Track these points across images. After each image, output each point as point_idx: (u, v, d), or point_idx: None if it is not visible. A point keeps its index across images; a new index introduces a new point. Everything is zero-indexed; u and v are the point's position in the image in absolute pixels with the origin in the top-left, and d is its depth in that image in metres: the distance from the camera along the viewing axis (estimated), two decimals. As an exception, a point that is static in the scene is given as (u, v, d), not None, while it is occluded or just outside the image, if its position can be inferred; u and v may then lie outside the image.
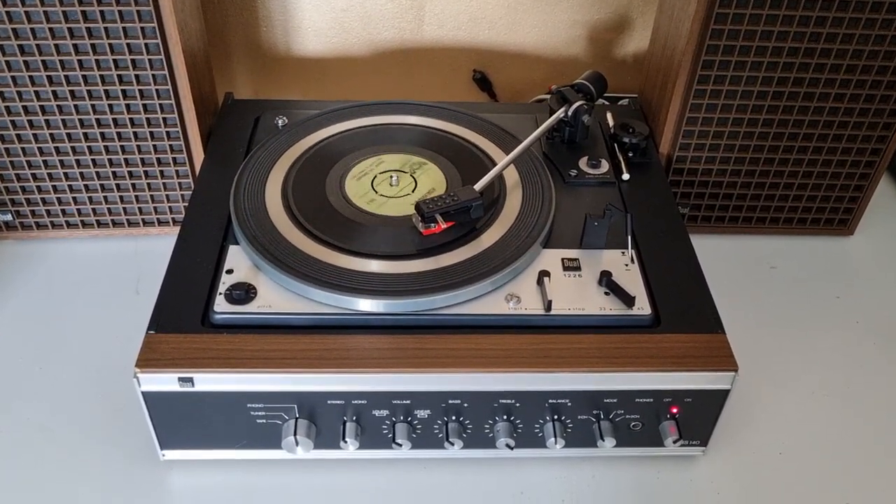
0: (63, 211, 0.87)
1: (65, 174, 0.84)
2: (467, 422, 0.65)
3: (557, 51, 1.06)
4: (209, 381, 0.61)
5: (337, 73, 1.06)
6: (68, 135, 0.81)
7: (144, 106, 0.80)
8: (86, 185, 0.85)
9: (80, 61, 0.77)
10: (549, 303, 0.65)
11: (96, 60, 0.77)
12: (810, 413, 0.75)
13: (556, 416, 0.65)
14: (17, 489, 0.66)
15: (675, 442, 0.66)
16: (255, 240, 0.69)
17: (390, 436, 0.65)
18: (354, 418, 0.64)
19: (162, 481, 0.67)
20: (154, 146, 0.83)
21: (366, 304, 0.64)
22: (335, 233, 0.70)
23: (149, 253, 0.88)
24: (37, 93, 0.78)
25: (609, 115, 0.88)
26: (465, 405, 0.64)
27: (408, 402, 0.64)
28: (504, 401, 0.64)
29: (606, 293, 0.67)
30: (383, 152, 0.80)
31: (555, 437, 0.65)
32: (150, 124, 0.82)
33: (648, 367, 0.63)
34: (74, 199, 0.86)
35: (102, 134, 0.82)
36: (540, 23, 1.03)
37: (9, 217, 0.86)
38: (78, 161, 0.83)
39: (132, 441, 0.69)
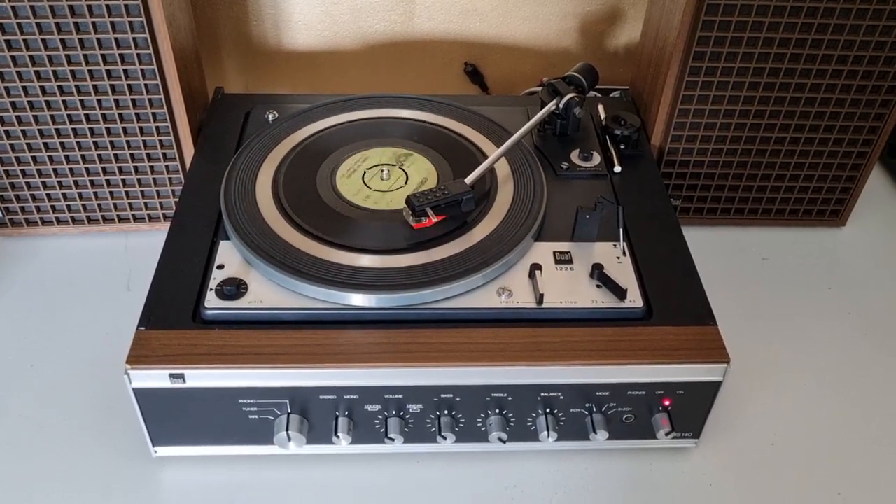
0: (53, 207, 0.86)
1: (54, 170, 0.83)
2: (460, 416, 0.65)
3: (549, 43, 1.06)
4: (200, 378, 0.61)
5: (327, 67, 1.06)
6: (57, 130, 0.81)
7: (133, 101, 0.80)
8: (75, 181, 0.85)
9: (67, 56, 0.76)
10: (541, 296, 0.65)
11: (84, 55, 0.76)
12: (802, 404, 0.75)
13: (548, 410, 0.65)
14: (9, 486, 0.66)
15: (667, 434, 0.66)
16: (245, 235, 0.68)
17: (383, 430, 0.65)
18: (347, 413, 0.64)
19: (154, 478, 0.67)
20: (144, 141, 0.83)
21: (357, 299, 0.64)
22: (326, 227, 0.70)
23: (139, 249, 0.87)
24: (25, 88, 0.77)
25: (601, 108, 0.88)
26: (458, 399, 0.64)
27: (400, 396, 0.63)
28: (496, 394, 0.64)
29: (598, 286, 0.67)
30: (374, 146, 0.80)
31: (547, 430, 0.65)
32: (140, 119, 0.81)
33: (640, 360, 0.63)
34: (64, 195, 0.85)
35: (91, 129, 0.81)
36: (531, 15, 1.03)
37: (-2, 214, 0.86)
38: (67, 157, 0.83)
39: (124, 437, 0.69)
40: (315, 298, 0.65)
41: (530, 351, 0.63)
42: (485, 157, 0.78)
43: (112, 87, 0.78)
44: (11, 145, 0.81)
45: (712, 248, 0.90)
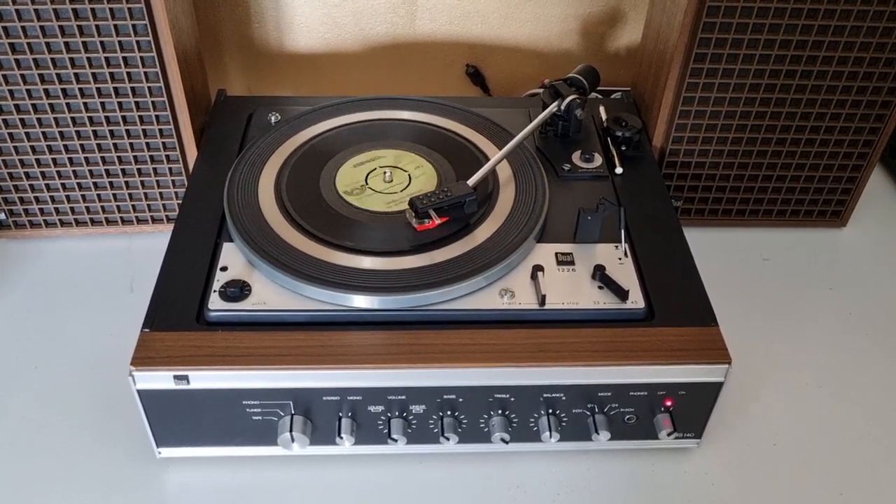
0: (56, 209, 0.87)
1: (58, 173, 0.84)
2: (462, 417, 0.66)
3: (550, 44, 1.06)
4: (204, 379, 0.61)
5: (329, 69, 1.06)
6: (61, 133, 0.81)
7: (137, 104, 0.80)
8: (79, 184, 0.85)
9: (71, 59, 0.76)
10: (543, 297, 0.65)
11: (88, 58, 0.76)
12: (804, 405, 0.75)
13: (550, 411, 0.66)
14: (14, 487, 0.66)
15: (669, 435, 0.66)
16: (249, 237, 0.69)
17: (386, 431, 0.66)
18: (350, 414, 0.65)
19: (158, 479, 0.67)
20: (147, 144, 0.83)
21: (360, 301, 0.64)
22: (329, 229, 0.70)
23: (143, 251, 0.88)
24: (28, 91, 0.78)
25: (602, 109, 0.88)
26: (460, 400, 0.64)
27: (403, 397, 0.64)
28: (499, 395, 0.64)
29: (600, 287, 0.67)
30: (376, 148, 0.80)
31: (550, 431, 0.65)
32: (143, 122, 0.81)
33: (642, 361, 0.63)
34: (68, 197, 0.86)
35: (95, 132, 0.81)
36: (533, 16, 1.03)
37: (2, 216, 0.86)
38: (71, 159, 0.83)
39: (128, 439, 0.69)
40: (318, 300, 0.65)
41: (532, 352, 0.63)
42: (487, 158, 0.78)
43: (115, 89, 0.79)
44: (15, 147, 0.81)
45: (713, 249, 0.91)
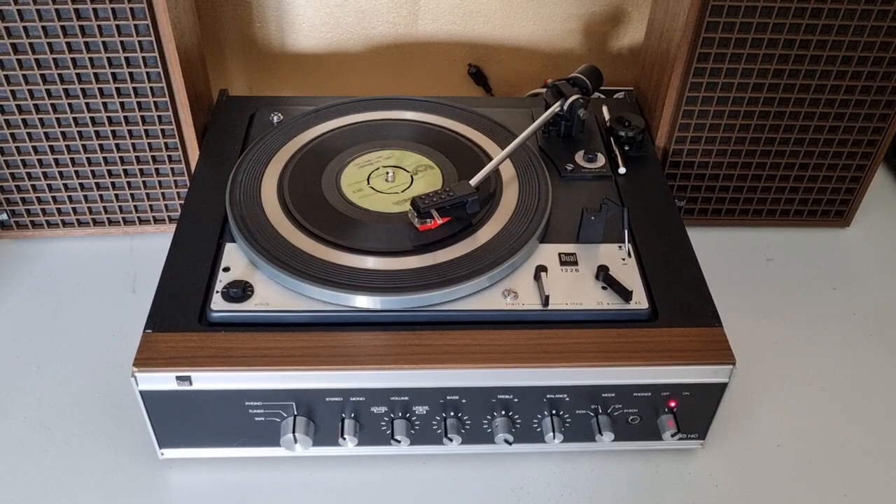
0: (59, 210, 0.87)
1: (60, 173, 0.84)
2: (466, 417, 0.66)
3: (553, 44, 1.06)
4: (207, 380, 0.61)
5: (331, 69, 1.06)
6: (63, 133, 0.81)
7: (139, 104, 0.80)
8: (81, 184, 0.85)
9: (73, 59, 0.76)
10: (547, 298, 0.65)
11: (90, 58, 0.76)
12: (808, 405, 0.75)
13: (554, 411, 0.65)
14: (16, 488, 0.66)
15: (673, 435, 0.66)
16: (251, 237, 0.69)
17: (389, 432, 0.65)
18: (353, 415, 0.64)
19: (161, 480, 0.67)
20: (149, 144, 0.83)
21: (363, 301, 0.64)
22: (331, 229, 0.70)
23: (145, 251, 0.88)
24: (31, 91, 0.78)
25: (605, 109, 0.88)
26: (464, 401, 0.64)
27: (406, 398, 0.64)
28: (502, 396, 0.64)
29: (604, 287, 0.67)
30: (379, 148, 0.80)
31: (553, 431, 0.65)
32: (145, 122, 0.81)
33: (646, 362, 0.63)
34: (70, 197, 0.86)
35: (97, 132, 0.81)
36: (535, 16, 1.03)
37: (4, 217, 0.86)
38: (73, 160, 0.83)
39: (131, 440, 0.69)
40: (321, 300, 0.65)
41: (536, 353, 0.63)
42: (489, 158, 0.78)
43: (117, 89, 0.79)
44: (17, 148, 0.81)
45: (717, 249, 0.90)
